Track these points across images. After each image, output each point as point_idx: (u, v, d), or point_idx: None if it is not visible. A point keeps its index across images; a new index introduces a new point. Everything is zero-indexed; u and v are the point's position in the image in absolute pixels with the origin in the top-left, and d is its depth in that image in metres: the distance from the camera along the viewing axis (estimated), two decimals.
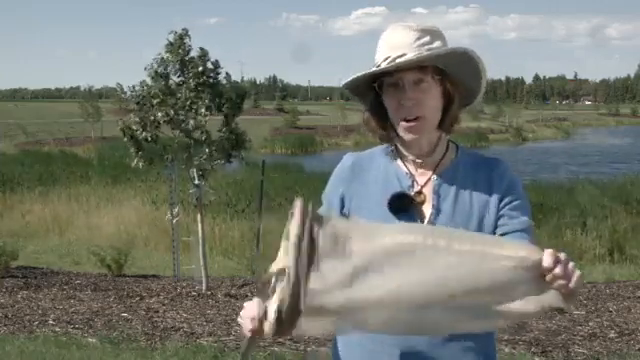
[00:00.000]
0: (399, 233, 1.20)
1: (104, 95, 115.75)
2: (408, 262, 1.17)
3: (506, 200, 1.50)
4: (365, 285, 1.17)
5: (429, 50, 1.44)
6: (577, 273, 1.20)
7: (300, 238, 1.16)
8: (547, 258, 1.19)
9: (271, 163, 18.79)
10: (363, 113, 1.58)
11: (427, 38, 1.46)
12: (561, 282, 1.19)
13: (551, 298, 1.22)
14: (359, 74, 1.48)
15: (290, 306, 1.17)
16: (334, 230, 1.19)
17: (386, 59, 1.46)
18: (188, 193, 7.90)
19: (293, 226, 1.17)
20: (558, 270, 1.18)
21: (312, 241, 1.17)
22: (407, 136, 1.49)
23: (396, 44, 1.46)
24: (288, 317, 1.18)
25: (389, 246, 1.17)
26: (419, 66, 1.44)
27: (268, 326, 1.21)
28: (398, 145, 1.56)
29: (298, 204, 1.18)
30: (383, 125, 1.54)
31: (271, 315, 1.19)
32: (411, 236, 1.19)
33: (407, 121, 1.47)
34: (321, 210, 1.61)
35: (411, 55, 1.43)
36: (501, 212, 1.50)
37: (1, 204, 13.97)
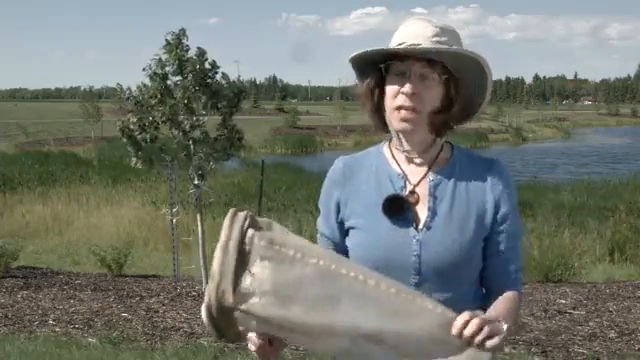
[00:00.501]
0: (329, 259, 1.22)
1: (104, 95, 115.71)
2: (334, 289, 1.19)
3: (503, 210, 1.48)
4: (294, 304, 1.18)
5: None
6: (499, 335, 1.20)
7: (227, 239, 1.18)
8: (460, 317, 1.20)
9: (271, 163, 18.80)
10: (364, 84, 1.52)
11: (445, 38, 1.44)
12: (476, 340, 1.18)
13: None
14: (370, 49, 1.45)
15: (217, 304, 1.17)
16: (271, 235, 1.21)
17: (400, 44, 1.44)
18: (188, 193, 7.90)
19: (223, 229, 1.20)
20: (470, 327, 1.19)
21: (242, 243, 1.18)
22: (398, 125, 1.46)
23: (413, 34, 1.44)
24: (219, 316, 1.18)
25: (322, 267, 1.20)
26: (429, 62, 1.42)
27: (208, 328, 1.22)
28: (393, 136, 1.54)
29: (231, 210, 1.22)
30: (375, 107, 1.51)
31: (202, 314, 1.21)
32: (342, 268, 1.20)
33: (402, 109, 1.44)
34: (320, 217, 1.60)
35: (425, 45, 1.41)
36: (496, 223, 1.48)
37: (1, 204, 13.96)
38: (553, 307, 5.95)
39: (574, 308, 5.93)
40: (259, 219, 1.24)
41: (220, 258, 1.18)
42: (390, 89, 1.46)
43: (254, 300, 1.17)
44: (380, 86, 1.49)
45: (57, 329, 5.39)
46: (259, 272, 1.18)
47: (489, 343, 1.19)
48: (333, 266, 1.21)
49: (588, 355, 4.63)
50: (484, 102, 1.52)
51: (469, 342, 1.19)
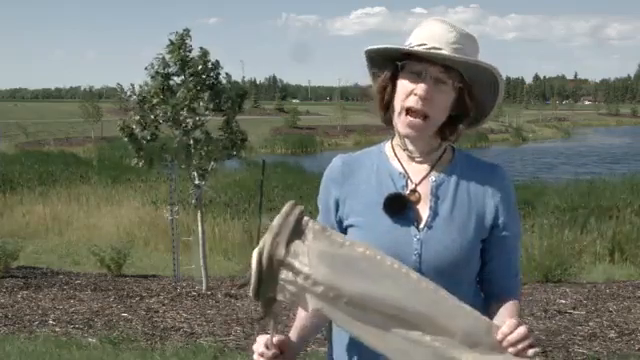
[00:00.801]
0: (375, 251, 1.31)
1: (104, 95, 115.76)
2: (377, 273, 1.27)
3: (503, 215, 1.49)
4: (340, 272, 1.27)
5: (462, 55, 1.42)
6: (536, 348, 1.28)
7: (289, 212, 1.30)
8: (507, 324, 1.27)
9: (271, 163, 18.80)
10: (379, 77, 1.51)
11: (463, 45, 1.44)
12: (520, 346, 1.26)
13: None
14: (390, 45, 1.44)
15: (268, 252, 1.26)
16: (324, 226, 1.33)
17: (421, 45, 1.43)
18: (188, 193, 7.91)
19: (283, 209, 1.31)
20: (516, 334, 1.26)
21: (300, 220, 1.29)
22: (404, 130, 1.45)
23: (435, 37, 1.43)
24: (267, 268, 1.26)
25: (368, 255, 1.29)
26: (446, 67, 1.42)
27: (251, 278, 1.28)
28: (396, 137, 1.53)
29: (289, 202, 1.33)
30: (386, 101, 1.50)
31: (252, 260, 1.27)
32: (387, 260, 1.29)
33: (410, 114, 1.43)
34: (319, 216, 1.59)
35: (445, 52, 1.40)
36: (497, 228, 1.49)
37: (1, 204, 13.97)
38: (553, 307, 5.95)
39: (574, 308, 5.93)
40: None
41: (281, 219, 1.29)
42: (403, 87, 1.44)
43: (302, 258, 1.27)
44: (392, 81, 1.48)
45: (57, 329, 5.39)
46: (311, 243, 1.28)
47: (531, 351, 1.26)
48: (378, 257, 1.29)
49: (588, 355, 4.63)
50: (492, 111, 1.53)
51: (510, 347, 1.26)
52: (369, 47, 1.47)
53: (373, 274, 1.26)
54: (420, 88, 1.41)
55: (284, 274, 1.27)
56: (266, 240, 1.27)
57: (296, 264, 1.26)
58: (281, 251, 1.26)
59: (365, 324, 1.27)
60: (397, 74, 1.47)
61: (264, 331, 1.38)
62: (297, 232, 1.28)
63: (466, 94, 1.45)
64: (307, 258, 1.26)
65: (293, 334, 1.46)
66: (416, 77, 1.43)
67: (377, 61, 1.49)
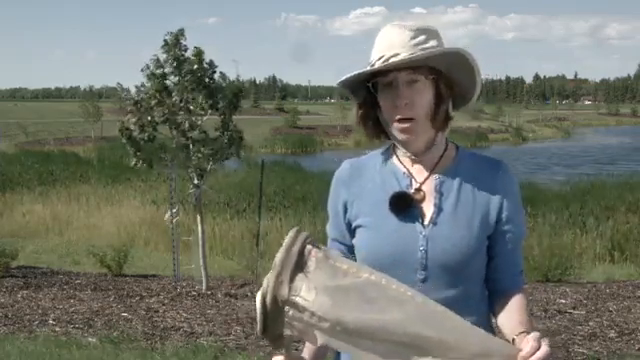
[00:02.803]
0: (380, 276, 1.29)
1: (104, 95, 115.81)
2: (383, 298, 1.26)
3: (507, 211, 1.49)
4: (346, 304, 1.25)
5: (423, 50, 1.43)
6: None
7: (292, 243, 1.28)
8: (528, 347, 1.23)
9: (271, 163, 18.80)
10: (356, 108, 1.56)
11: (422, 37, 1.45)
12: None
13: None
14: (353, 73, 1.47)
15: (272, 293, 1.25)
16: (328, 252, 1.31)
17: (380, 58, 1.45)
18: (188, 193, 7.91)
19: (286, 238, 1.29)
20: (539, 354, 1.22)
21: (302, 253, 1.28)
22: (401, 136, 1.48)
23: (390, 44, 1.45)
24: (272, 306, 1.25)
25: (373, 280, 1.28)
26: (413, 66, 1.43)
27: (257, 317, 1.27)
28: (395, 143, 1.55)
29: (294, 229, 1.31)
30: (373, 121, 1.53)
31: (257, 301, 1.27)
32: (392, 284, 1.28)
33: (401, 121, 1.45)
34: (329, 222, 1.62)
35: (404, 55, 1.42)
36: (501, 224, 1.49)
37: (1, 204, 13.97)
38: (553, 307, 5.95)
39: (574, 308, 5.94)
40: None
41: (283, 253, 1.28)
42: (384, 104, 1.47)
43: (306, 294, 1.25)
44: (372, 102, 1.51)
45: (57, 329, 5.39)
46: (314, 276, 1.27)
47: None
48: (384, 281, 1.28)
49: (588, 355, 4.63)
50: (476, 89, 1.53)
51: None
52: (337, 82, 1.51)
53: (379, 301, 1.25)
54: (398, 100, 1.44)
55: (290, 312, 1.26)
56: (269, 280, 1.26)
57: (301, 302, 1.25)
58: (285, 290, 1.25)
59: (375, 354, 1.26)
60: (373, 94, 1.49)
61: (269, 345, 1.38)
62: (300, 265, 1.28)
63: (442, 83, 1.47)
64: (310, 293, 1.25)
65: (306, 352, 1.48)
66: (390, 88, 1.45)
67: (355, 87, 1.52)
